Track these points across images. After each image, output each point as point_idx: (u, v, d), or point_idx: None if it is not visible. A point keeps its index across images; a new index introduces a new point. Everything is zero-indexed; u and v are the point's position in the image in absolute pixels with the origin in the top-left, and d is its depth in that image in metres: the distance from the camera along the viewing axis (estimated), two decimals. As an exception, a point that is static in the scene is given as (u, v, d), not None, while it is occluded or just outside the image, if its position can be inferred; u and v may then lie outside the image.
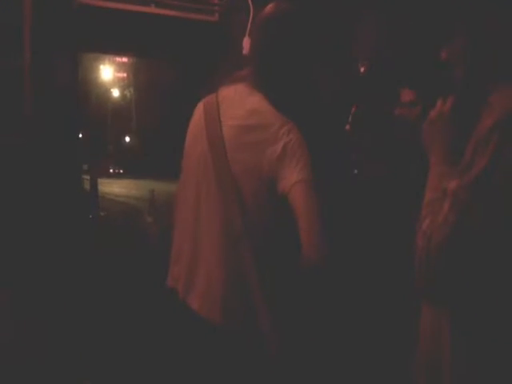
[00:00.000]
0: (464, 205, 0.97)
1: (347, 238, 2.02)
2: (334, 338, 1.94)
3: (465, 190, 0.98)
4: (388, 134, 2.29)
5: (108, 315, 2.55)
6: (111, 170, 21.22)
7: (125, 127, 23.62)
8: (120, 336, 2.55)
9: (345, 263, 1.59)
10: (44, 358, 2.23)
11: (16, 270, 2.21)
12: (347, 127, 2.31)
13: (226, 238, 1.32)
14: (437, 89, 1.23)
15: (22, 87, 2.29)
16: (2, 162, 2.24)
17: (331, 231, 1.23)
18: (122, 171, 22.30)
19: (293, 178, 1.27)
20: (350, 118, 2.31)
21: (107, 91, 21.16)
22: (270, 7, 1.45)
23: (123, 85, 21.73)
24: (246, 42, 2.43)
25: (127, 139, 24.87)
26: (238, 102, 1.40)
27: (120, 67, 20.50)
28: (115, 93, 21.98)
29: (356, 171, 2.35)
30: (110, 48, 2.91)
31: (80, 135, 2.96)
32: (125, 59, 18.86)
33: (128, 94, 22.22)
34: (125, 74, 21.22)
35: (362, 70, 2.52)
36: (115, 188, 14.63)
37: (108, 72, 19.96)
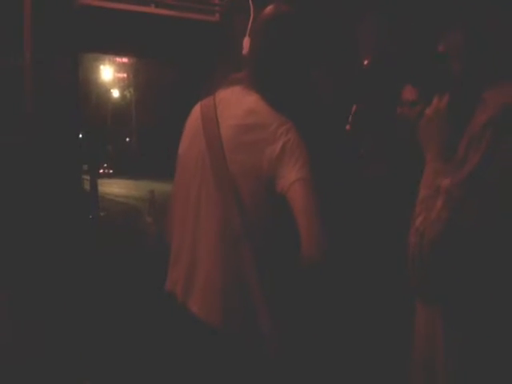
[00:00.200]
0: (457, 202, 0.97)
1: (347, 236, 2.02)
2: (332, 338, 1.94)
3: (458, 187, 0.98)
4: (389, 133, 2.29)
5: (108, 316, 2.55)
6: (101, 171, 20.86)
7: (125, 128, 23.63)
8: (120, 337, 2.55)
9: (344, 261, 1.59)
10: (44, 358, 2.23)
11: (15, 270, 2.21)
12: (347, 127, 2.31)
13: (224, 239, 1.32)
14: (437, 87, 1.23)
15: (23, 87, 2.29)
16: (3, 161, 2.24)
17: (331, 229, 1.23)
18: (111, 171, 22.11)
19: (292, 177, 1.27)
20: (350, 118, 2.31)
21: (107, 92, 21.17)
22: (269, 9, 1.45)
23: (123, 85, 21.74)
24: (247, 42, 2.43)
25: (127, 139, 24.87)
26: (236, 103, 1.40)
27: (120, 68, 20.52)
28: (115, 93, 21.99)
29: (360, 167, 2.35)
30: (110, 48, 2.91)
31: (80, 135, 2.96)
32: (125, 60, 18.87)
33: (128, 95, 22.22)
34: (125, 75, 21.23)
35: (366, 62, 2.52)
36: (115, 188, 14.64)
37: (108, 72, 19.97)
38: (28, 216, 2.27)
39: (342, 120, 2.32)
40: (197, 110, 1.47)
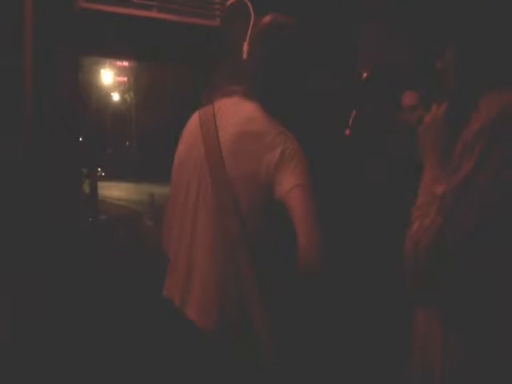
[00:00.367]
0: (449, 209, 0.98)
1: (346, 241, 2.02)
2: (330, 344, 1.94)
3: (451, 194, 0.98)
4: (389, 138, 2.30)
5: (108, 319, 2.54)
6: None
7: (125, 131, 23.62)
8: (118, 340, 2.54)
9: (343, 267, 1.59)
10: (43, 360, 2.23)
11: (16, 272, 2.21)
12: (347, 132, 2.32)
13: (222, 246, 1.32)
14: (436, 94, 1.24)
15: (23, 91, 2.29)
16: (2, 165, 2.24)
17: (330, 234, 1.23)
18: (103, 174, 21.99)
19: (290, 183, 1.28)
20: (350, 123, 2.32)
21: (107, 95, 21.17)
22: (268, 18, 1.46)
23: (123, 89, 21.75)
24: (247, 47, 2.44)
25: (127, 143, 24.86)
26: (234, 111, 1.42)
27: (120, 71, 20.52)
28: (115, 97, 21.99)
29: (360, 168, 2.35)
30: (110, 52, 2.92)
31: (80, 139, 2.96)
32: (125, 63, 18.89)
33: (128, 98, 22.22)
34: (125, 78, 21.23)
35: (365, 75, 2.53)
36: (115, 192, 14.62)
37: (108, 76, 19.97)
38: (27, 219, 2.27)
39: (341, 125, 2.32)
40: (195, 118, 1.48)
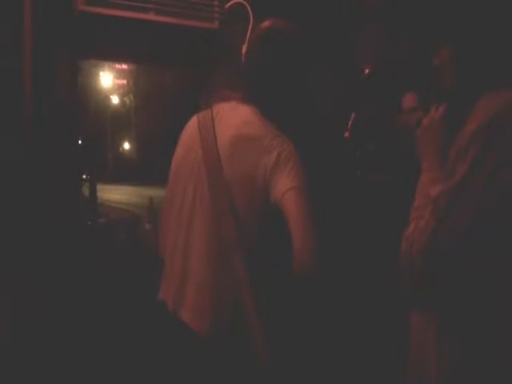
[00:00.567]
0: (443, 211, 0.97)
1: (342, 244, 2.01)
2: (325, 346, 1.94)
3: (445, 197, 0.98)
4: (389, 139, 2.30)
5: (107, 322, 2.54)
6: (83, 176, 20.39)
7: (124, 134, 23.64)
8: (116, 342, 2.54)
9: (339, 268, 1.59)
10: (42, 362, 2.22)
11: (15, 275, 2.21)
12: (346, 134, 2.32)
13: (217, 250, 1.32)
14: (435, 95, 1.24)
15: (22, 94, 2.29)
16: (2, 168, 2.24)
17: (327, 237, 1.23)
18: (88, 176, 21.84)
19: (285, 186, 1.28)
20: (349, 125, 2.32)
21: (107, 98, 21.17)
22: (266, 24, 1.47)
23: (123, 92, 21.76)
24: (245, 51, 2.44)
25: (126, 146, 24.88)
26: (232, 114, 1.42)
27: (120, 74, 20.52)
28: (115, 100, 21.99)
29: (359, 172, 2.35)
30: (109, 55, 2.92)
31: (79, 142, 2.96)
32: (124, 66, 18.88)
33: (128, 101, 22.24)
34: (124, 81, 21.24)
35: (367, 71, 2.53)
36: (114, 195, 14.61)
37: (108, 79, 19.96)
38: (27, 221, 2.26)
39: (341, 127, 2.32)
40: (194, 122, 1.48)
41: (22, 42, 2.28)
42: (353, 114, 2.32)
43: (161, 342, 1.46)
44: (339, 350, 2.13)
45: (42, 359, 2.23)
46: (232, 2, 2.68)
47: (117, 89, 21.36)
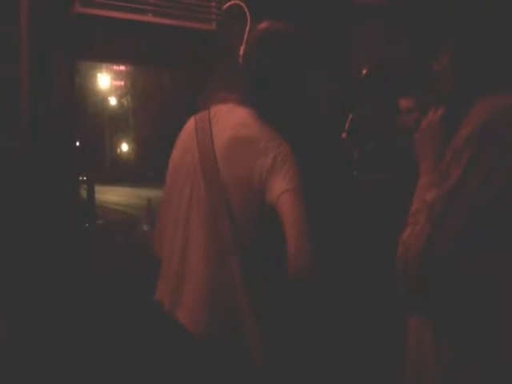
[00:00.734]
0: (438, 216, 0.97)
1: (340, 246, 2.01)
2: (321, 348, 1.94)
3: (439, 201, 0.98)
4: (387, 140, 2.30)
5: (104, 323, 2.53)
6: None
7: (122, 135, 23.62)
8: (114, 343, 2.54)
9: (336, 270, 1.59)
10: (41, 363, 2.22)
11: (12, 277, 2.20)
12: (344, 135, 2.32)
13: (214, 251, 1.32)
14: (434, 99, 1.24)
15: (20, 95, 2.29)
16: (-1, 171, 2.24)
17: (323, 238, 1.23)
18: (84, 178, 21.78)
19: (281, 188, 1.28)
20: (346, 126, 2.32)
21: (104, 99, 21.13)
22: (264, 25, 1.47)
23: (120, 93, 21.72)
24: (243, 52, 2.45)
25: (124, 147, 24.85)
26: (229, 116, 1.43)
27: (117, 75, 20.47)
28: (112, 101, 21.96)
29: (356, 173, 2.36)
30: (107, 56, 2.92)
31: (77, 143, 2.95)
32: (122, 67, 18.85)
33: (125, 103, 22.20)
34: (122, 83, 21.20)
35: (364, 72, 2.54)
36: (112, 196, 14.60)
37: (105, 80, 19.92)
38: (24, 223, 2.26)
39: (338, 128, 2.32)
40: (191, 123, 1.49)
41: (20, 43, 2.28)
42: (350, 115, 2.32)
43: (157, 343, 1.46)
44: (336, 351, 2.13)
45: (41, 359, 2.23)
46: (229, 3, 2.68)
47: (114, 90, 21.31)
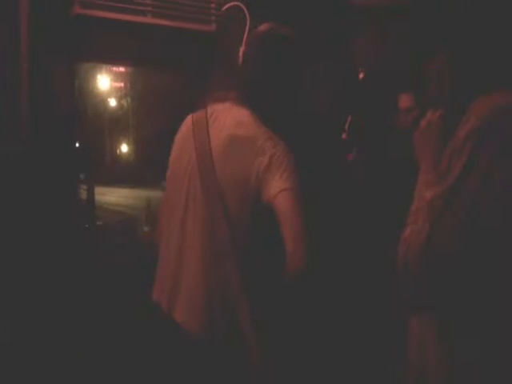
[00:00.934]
0: (437, 214, 0.98)
1: (339, 245, 2.02)
2: (319, 347, 1.94)
3: (439, 199, 0.99)
4: (385, 140, 2.30)
5: (105, 324, 2.54)
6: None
7: (122, 136, 23.61)
8: (113, 343, 2.54)
9: (334, 269, 1.59)
10: (41, 363, 2.22)
11: (12, 279, 2.21)
12: (344, 136, 2.32)
13: (211, 250, 1.33)
14: (431, 98, 1.25)
15: (19, 97, 2.29)
16: (-1, 171, 2.24)
17: (322, 238, 1.23)
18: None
19: (278, 187, 1.29)
20: (346, 127, 2.32)
21: (104, 101, 21.13)
22: (264, 27, 1.48)
23: (120, 94, 21.72)
24: (242, 53, 2.45)
25: (124, 148, 24.85)
26: (226, 115, 1.43)
27: (117, 77, 20.48)
28: (112, 102, 21.95)
29: (353, 172, 2.36)
30: (107, 58, 2.92)
31: (77, 144, 2.96)
32: (122, 69, 18.86)
33: (125, 104, 22.20)
34: (122, 84, 21.20)
35: (361, 76, 2.54)
36: (112, 197, 14.59)
37: (105, 82, 19.92)
38: (24, 225, 2.26)
39: (337, 129, 2.33)
40: (188, 122, 1.49)
41: (19, 44, 2.29)
42: (349, 116, 2.32)
43: (156, 343, 1.46)
44: (337, 351, 2.13)
45: (41, 359, 2.23)
46: (229, 4, 2.69)
47: (114, 91, 21.32)
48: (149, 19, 2.63)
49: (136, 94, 20.81)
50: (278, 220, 1.26)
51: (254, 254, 1.33)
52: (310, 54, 1.52)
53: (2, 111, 2.28)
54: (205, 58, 2.75)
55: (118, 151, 24.61)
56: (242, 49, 2.47)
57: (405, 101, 2.31)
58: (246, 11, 2.64)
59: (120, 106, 22.19)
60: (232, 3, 2.67)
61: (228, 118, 1.42)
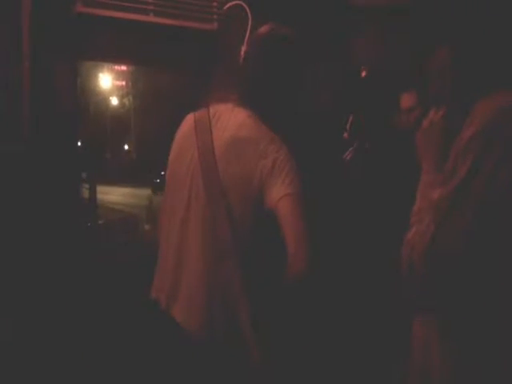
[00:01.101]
0: (443, 215, 0.98)
1: (342, 247, 2.01)
2: (321, 348, 1.94)
3: (445, 200, 0.98)
4: (387, 139, 2.30)
5: (106, 323, 2.54)
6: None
7: (123, 135, 23.64)
8: (113, 343, 2.54)
9: (336, 273, 1.58)
10: (41, 364, 2.22)
11: (13, 275, 2.21)
12: (345, 135, 2.32)
13: (212, 250, 1.32)
14: (433, 97, 1.24)
15: (21, 96, 2.29)
16: (1, 170, 2.24)
17: (324, 240, 1.23)
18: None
19: (280, 192, 1.29)
20: (348, 126, 2.32)
21: (106, 99, 21.15)
22: (265, 28, 1.47)
23: (122, 93, 21.74)
24: (243, 52, 2.45)
25: (126, 147, 24.88)
26: (229, 116, 1.43)
27: (119, 75, 20.51)
28: (114, 101, 21.98)
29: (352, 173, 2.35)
30: (108, 56, 2.92)
31: (79, 143, 2.96)
32: (123, 67, 18.88)
33: (127, 103, 22.22)
34: (123, 83, 21.23)
35: (363, 74, 2.54)
36: (114, 196, 14.62)
37: (107, 80, 19.94)
38: (26, 223, 2.26)
39: (338, 129, 2.32)
40: (189, 121, 1.48)
41: (21, 43, 2.29)
42: (351, 116, 2.32)
43: (155, 342, 1.46)
44: (340, 352, 2.13)
45: (42, 359, 2.23)
46: (231, 3, 2.68)
47: (116, 90, 21.34)
48: (151, 18, 2.63)
49: (138, 93, 20.84)
50: (280, 223, 1.26)
51: (255, 253, 1.32)
52: (310, 54, 1.52)
53: (4, 110, 2.28)
54: (206, 56, 2.75)
55: (119, 150, 24.63)
56: (243, 48, 2.48)
57: (406, 100, 2.31)
58: (247, 10, 2.64)
59: (122, 104, 22.21)
60: (234, 2, 2.67)
61: (231, 119, 1.42)
